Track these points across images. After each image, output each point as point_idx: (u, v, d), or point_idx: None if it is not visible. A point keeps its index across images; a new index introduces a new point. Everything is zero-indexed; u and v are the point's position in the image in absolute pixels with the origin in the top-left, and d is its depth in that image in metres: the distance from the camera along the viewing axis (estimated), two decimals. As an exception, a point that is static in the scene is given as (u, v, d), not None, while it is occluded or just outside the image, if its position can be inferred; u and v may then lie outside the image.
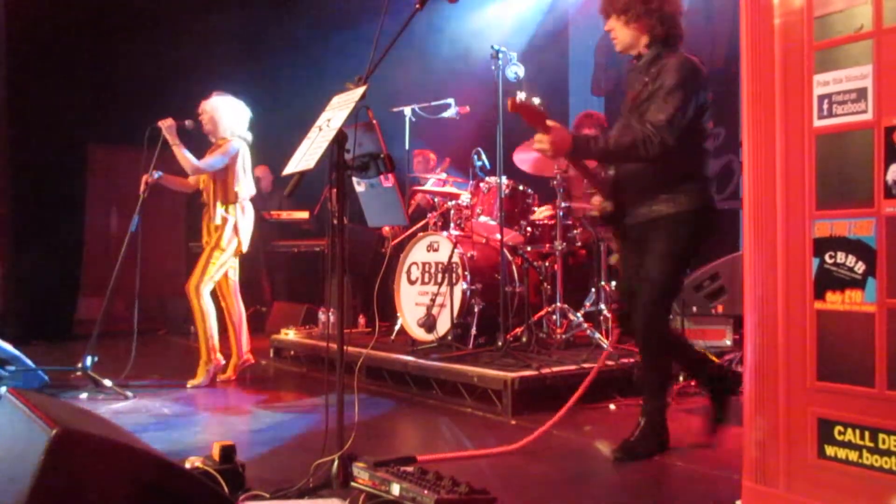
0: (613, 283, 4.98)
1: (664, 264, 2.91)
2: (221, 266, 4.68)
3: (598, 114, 5.69)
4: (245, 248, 4.79)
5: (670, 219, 2.88)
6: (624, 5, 2.90)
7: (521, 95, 2.83)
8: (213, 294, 4.71)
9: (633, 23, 2.91)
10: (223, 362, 4.77)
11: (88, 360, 4.41)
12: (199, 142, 4.85)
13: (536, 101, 2.95)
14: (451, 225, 5.06)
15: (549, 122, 2.79)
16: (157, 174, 4.64)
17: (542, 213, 5.14)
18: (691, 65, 2.84)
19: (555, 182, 4.72)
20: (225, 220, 4.67)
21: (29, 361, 4.38)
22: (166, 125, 4.59)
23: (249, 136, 4.85)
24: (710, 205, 2.96)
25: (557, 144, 2.79)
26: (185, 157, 4.61)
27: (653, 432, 3.01)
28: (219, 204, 4.69)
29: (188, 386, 4.59)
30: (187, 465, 2.48)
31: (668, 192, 2.87)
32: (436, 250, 4.87)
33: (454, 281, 4.59)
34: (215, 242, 4.65)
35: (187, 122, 4.70)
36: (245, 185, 4.77)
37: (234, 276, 4.80)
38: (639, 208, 2.95)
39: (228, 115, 4.76)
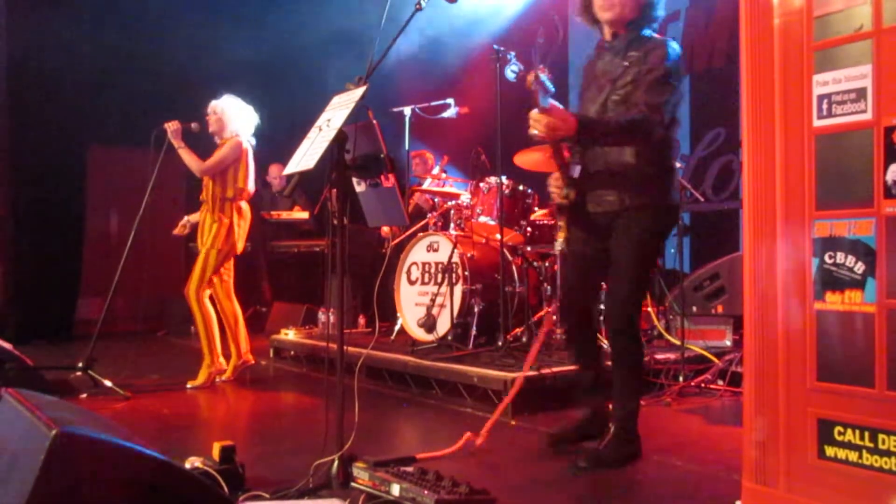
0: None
1: (640, 257, 2.78)
2: (218, 269, 4.67)
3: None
4: (240, 250, 4.78)
5: (647, 210, 2.76)
6: None
7: (543, 76, 2.60)
8: (209, 296, 4.71)
9: None
10: (225, 367, 4.77)
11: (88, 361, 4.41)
12: (207, 144, 4.84)
13: (545, 76, 2.64)
14: (451, 225, 5.07)
15: (551, 102, 2.59)
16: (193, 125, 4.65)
17: (541, 213, 5.14)
18: (678, 55, 2.77)
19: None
20: (221, 221, 4.66)
21: (28, 362, 4.38)
22: (172, 128, 4.59)
23: (253, 141, 4.86)
24: (678, 200, 2.93)
25: (557, 125, 2.58)
26: (191, 158, 4.61)
27: (626, 440, 2.83)
28: (217, 203, 4.68)
29: (188, 386, 4.59)
30: (187, 465, 2.48)
31: (647, 182, 2.75)
32: (436, 250, 4.87)
33: (454, 281, 4.59)
34: (211, 244, 4.63)
35: (193, 125, 4.69)
36: (248, 184, 4.76)
37: (228, 278, 4.78)
38: (611, 197, 2.79)
39: (237, 116, 4.75)
